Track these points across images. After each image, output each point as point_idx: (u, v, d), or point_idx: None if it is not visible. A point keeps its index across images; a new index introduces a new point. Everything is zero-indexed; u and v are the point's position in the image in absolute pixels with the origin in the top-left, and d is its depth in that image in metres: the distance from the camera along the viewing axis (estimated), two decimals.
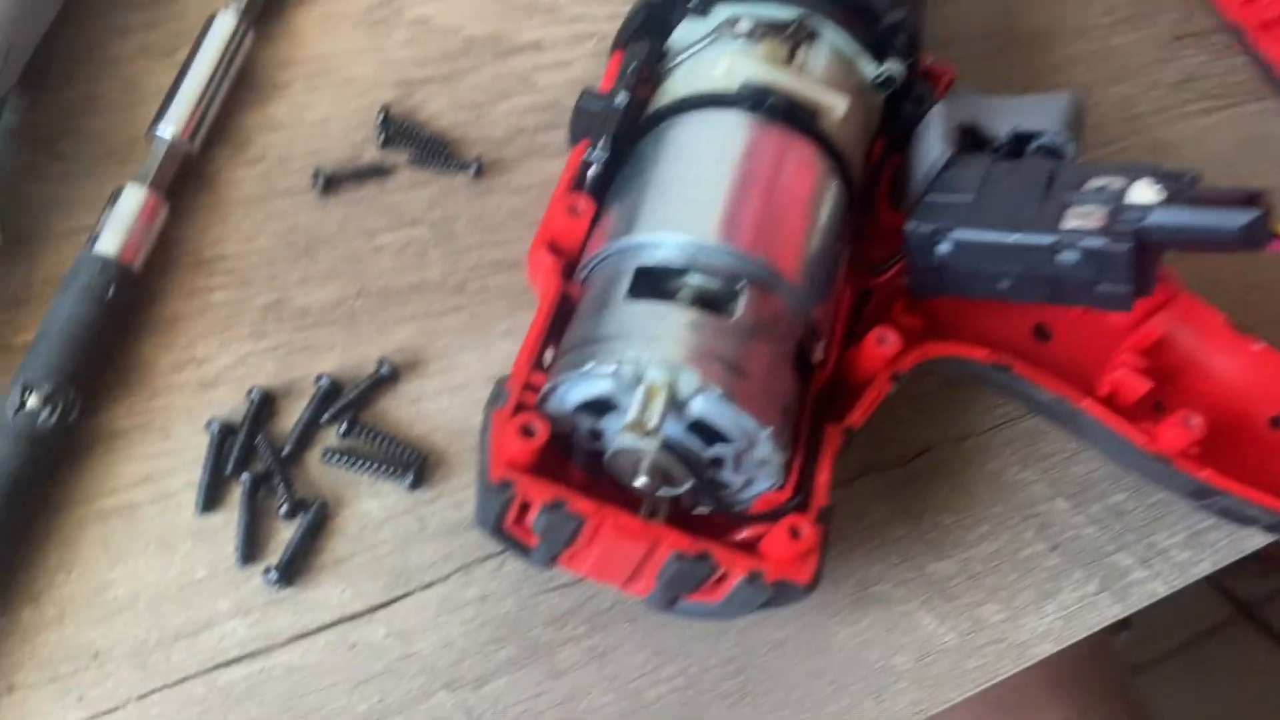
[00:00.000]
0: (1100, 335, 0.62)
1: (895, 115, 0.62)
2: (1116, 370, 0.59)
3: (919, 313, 0.60)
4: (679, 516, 0.52)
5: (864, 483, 0.63)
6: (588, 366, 0.48)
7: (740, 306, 0.50)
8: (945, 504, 0.63)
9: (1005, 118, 0.61)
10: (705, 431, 0.49)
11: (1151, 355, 0.61)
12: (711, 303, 0.51)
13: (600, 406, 0.50)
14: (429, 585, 0.56)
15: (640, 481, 0.49)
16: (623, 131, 0.57)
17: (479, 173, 0.66)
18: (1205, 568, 0.64)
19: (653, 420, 0.47)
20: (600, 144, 0.55)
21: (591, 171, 0.56)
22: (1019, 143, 0.61)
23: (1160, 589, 0.63)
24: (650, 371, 0.47)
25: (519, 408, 0.50)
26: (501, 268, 0.64)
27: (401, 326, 0.62)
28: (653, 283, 0.51)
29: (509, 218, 0.66)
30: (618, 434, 0.47)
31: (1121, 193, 0.53)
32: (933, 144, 0.59)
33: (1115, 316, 0.61)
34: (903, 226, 0.56)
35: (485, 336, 0.62)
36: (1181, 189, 0.51)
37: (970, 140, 0.61)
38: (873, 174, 0.61)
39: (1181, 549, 0.64)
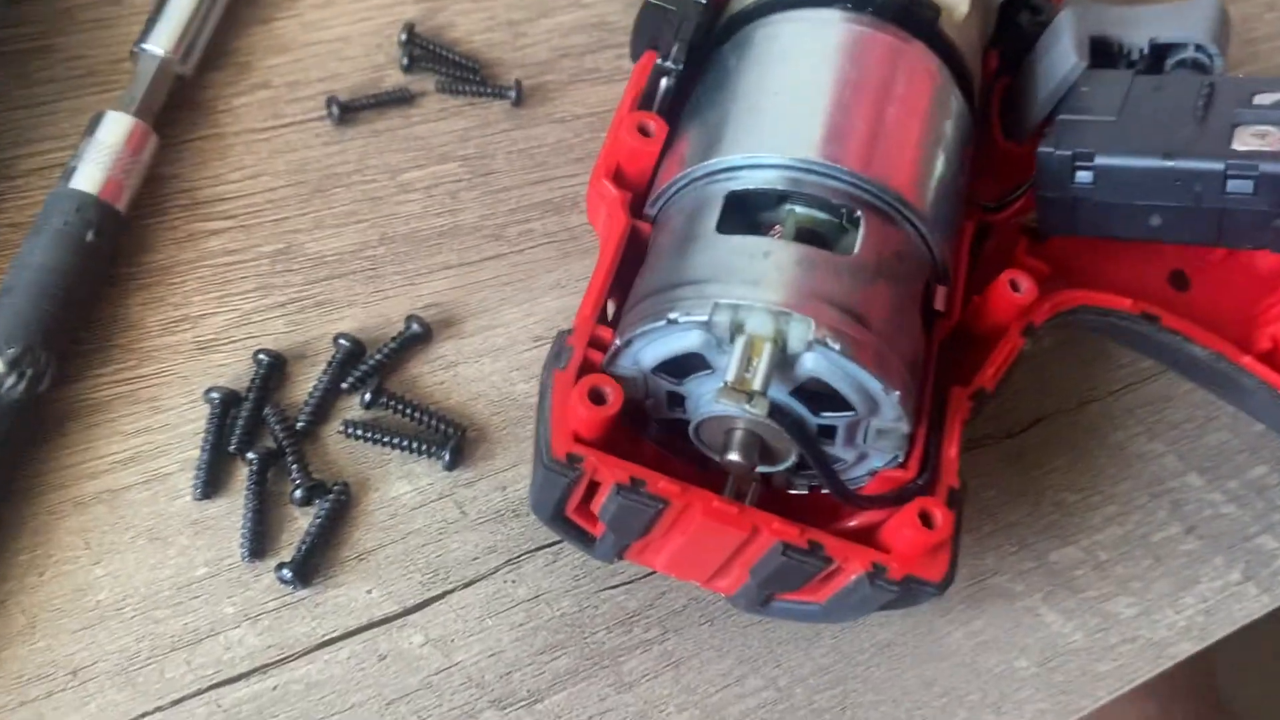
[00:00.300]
0: (1249, 282, 0.53)
1: (1009, 26, 0.53)
2: (1276, 322, 0.50)
3: (1043, 257, 0.50)
4: (769, 500, 0.44)
5: (971, 458, 0.54)
6: (673, 315, 0.39)
7: (859, 240, 0.40)
8: (1065, 481, 0.55)
9: (1141, 28, 0.52)
10: (816, 396, 0.40)
11: None
12: (820, 237, 0.42)
13: (683, 366, 0.41)
14: (471, 583, 0.47)
15: (733, 456, 0.40)
16: (699, 38, 0.47)
17: (518, 100, 0.57)
18: None
19: (757, 380, 0.38)
20: (674, 51, 0.46)
21: (664, 84, 0.47)
22: (1158, 57, 0.52)
23: None
24: (752, 320, 0.38)
25: (584, 368, 0.41)
26: (547, 209, 0.55)
27: (432, 278, 0.53)
28: (747, 213, 0.42)
29: (553, 152, 0.57)
30: (714, 397, 0.38)
31: None
32: (1062, 54, 0.50)
33: (1265, 260, 0.52)
34: (1034, 151, 0.47)
35: (529, 290, 0.53)
36: None
37: (1101, 56, 0.52)
38: (986, 93, 0.52)
39: None
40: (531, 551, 0.48)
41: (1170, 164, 0.44)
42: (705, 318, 0.38)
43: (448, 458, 0.48)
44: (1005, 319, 0.46)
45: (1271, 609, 0.54)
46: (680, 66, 0.46)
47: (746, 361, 0.38)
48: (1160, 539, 0.54)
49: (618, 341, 0.41)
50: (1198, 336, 0.48)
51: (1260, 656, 1.00)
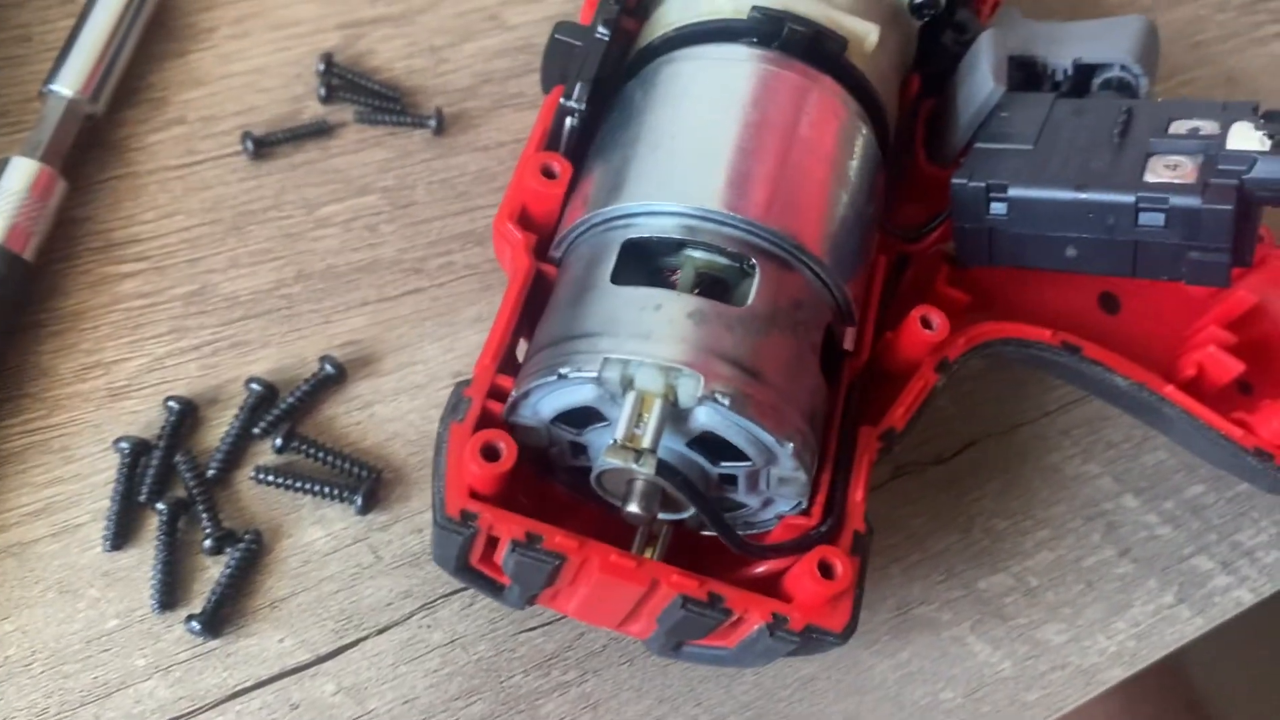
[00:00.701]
0: (1179, 305, 0.52)
1: (933, 47, 0.52)
2: (1201, 348, 0.50)
3: (965, 284, 0.50)
4: (684, 541, 0.43)
5: (899, 486, 0.54)
6: (564, 370, 0.38)
7: (754, 290, 0.40)
8: (997, 506, 0.54)
9: (1065, 47, 0.51)
10: (712, 446, 0.39)
11: (1240, 328, 0.51)
12: (717, 285, 0.42)
13: (581, 417, 0.40)
14: (385, 629, 0.47)
15: (632, 509, 0.40)
16: (606, 72, 0.47)
17: (439, 129, 0.56)
18: None
19: (646, 437, 0.37)
20: (578, 90, 0.45)
21: (568, 124, 0.46)
22: (1082, 77, 0.51)
23: (1246, 597, 0.54)
24: (642, 376, 0.38)
25: (482, 420, 0.41)
26: (469, 240, 0.55)
27: (349, 315, 0.52)
28: (644, 261, 0.42)
29: (476, 181, 0.56)
30: (603, 453, 0.37)
31: (1216, 139, 0.43)
32: (981, 80, 0.49)
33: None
34: (949, 181, 0.46)
35: (450, 324, 0.53)
36: None
37: (1024, 76, 0.51)
38: (907, 118, 0.51)
39: (1270, 548, 0.56)
40: (447, 595, 0.48)
41: (1083, 196, 0.44)
42: (595, 373, 0.38)
43: (360, 502, 0.48)
44: (917, 356, 0.46)
45: (1204, 631, 0.54)
46: (583, 106, 0.45)
47: (637, 417, 0.38)
48: (1093, 563, 0.54)
49: (516, 392, 0.40)
50: (1119, 367, 0.48)
51: (1236, 651, 1.00)
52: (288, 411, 0.49)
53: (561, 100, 0.45)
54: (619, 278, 0.40)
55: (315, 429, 0.49)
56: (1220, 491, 0.56)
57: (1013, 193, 0.45)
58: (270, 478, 0.48)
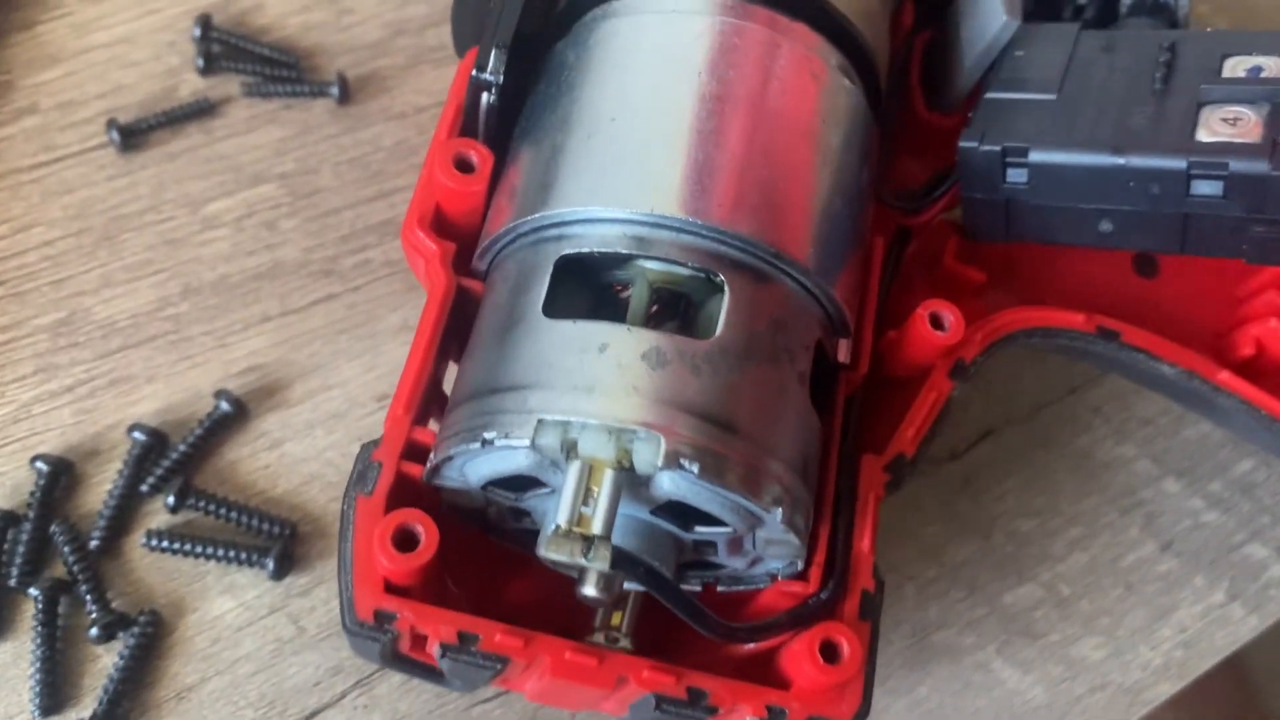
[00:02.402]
0: (1230, 261, 0.44)
1: None
2: (1259, 320, 0.42)
3: (979, 257, 0.42)
4: (651, 610, 0.36)
5: (909, 489, 0.45)
6: (488, 435, 0.31)
7: (723, 314, 0.32)
8: (1020, 506, 0.47)
9: None
10: (683, 511, 0.32)
11: None
12: (678, 302, 0.34)
13: (519, 482, 0.33)
14: (315, 713, 0.40)
15: (588, 592, 0.32)
16: (530, 28, 0.38)
17: (344, 97, 0.47)
18: None
19: (597, 520, 0.29)
20: (492, 59, 0.36)
21: (485, 100, 0.37)
22: (1110, 1, 0.42)
23: None
24: (586, 440, 0.30)
25: (395, 491, 0.33)
26: (387, 231, 0.46)
27: (249, 335, 0.44)
28: (585, 276, 0.34)
29: (392, 157, 0.48)
30: (543, 543, 0.30)
31: None
32: (990, 10, 0.40)
33: None
34: (957, 141, 0.38)
35: (370, 336, 0.45)
36: None
37: (1041, 1, 0.42)
38: (902, 56, 0.43)
39: None
40: (384, 670, 0.40)
41: (1121, 161, 0.35)
42: (527, 441, 0.30)
43: (272, 566, 0.40)
44: (927, 359, 0.38)
45: (1260, 632, 0.47)
46: (500, 79, 0.36)
47: (584, 493, 0.30)
48: (1132, 561, 0.47)
49: (432, 459, 0.33)
50: (1165, 353, 0.40)
51: None
52: (181, 461, 0.41)
53: (474, 73, 0.37)
54: (554, 305, 0.32)
55: (216, 478, 0.42)
56: (1273, 465, 0.49)
57: (1035, 157, 0.37)
58: (165, 543, 0.40)
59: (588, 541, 0.29)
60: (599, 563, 0.29)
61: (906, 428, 0.37)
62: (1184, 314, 0.44)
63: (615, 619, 0.35)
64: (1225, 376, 0.40)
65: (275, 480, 0.42)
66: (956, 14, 0.42)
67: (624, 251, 0.32)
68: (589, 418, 0.30)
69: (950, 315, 0.37)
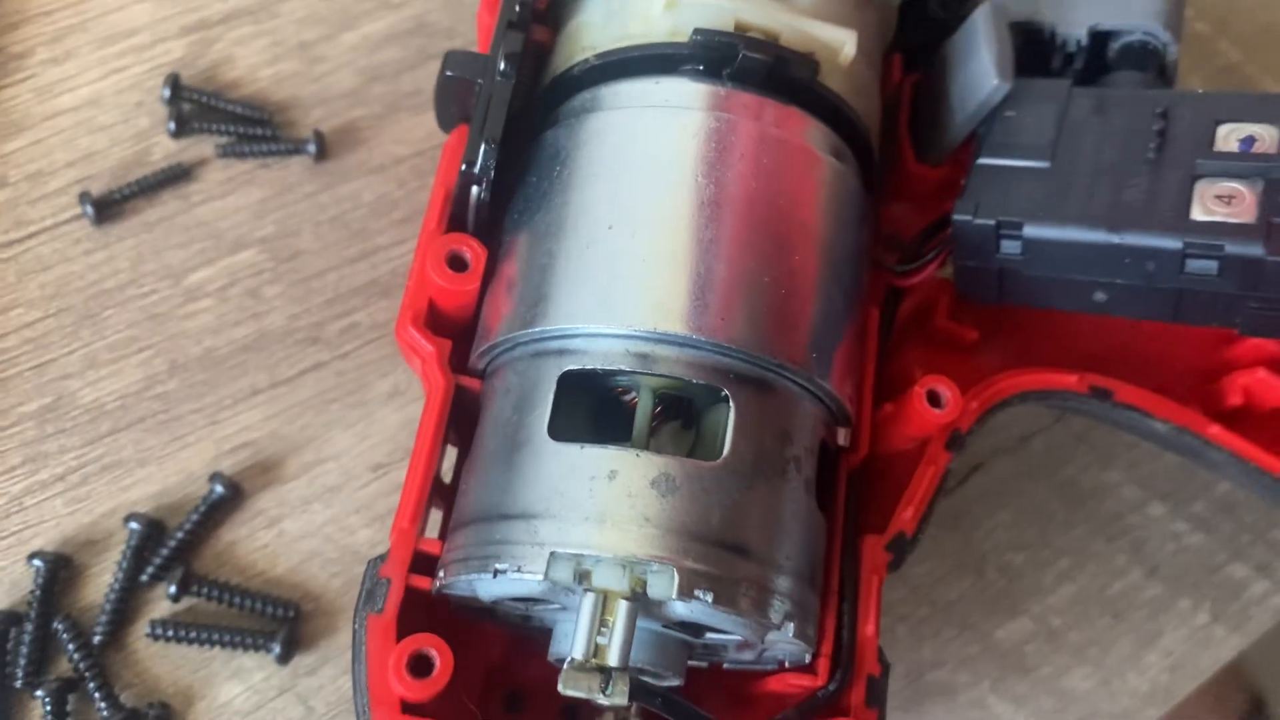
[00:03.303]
0: None
1: (917, 16, 0.42)
2: (1245, 369, 0.42)
3: (971, 314, 0.42)
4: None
5: None
6: (500, 567, 0.31)
7: (729, 432, 0.32)
8: (1010, 539, 0.48)
9: (1077, 11, 0.42)
10: (694, 624, 0.32)
11: None
12: (684, 404, 0.34)
13: (528, 599, 0.33)
14: None
15: (603, 705, 0.33)
16: (516, 108, 0.37)
17: (321, 152, 0.46)
18: None
19: (613, 651, 0.30)
20: (482, 154, 0.35)
21: (475, 194, 0.36)
22: (1098, 46, 0.42)
23: None
24: (600, 573, 0.30)
25: (406, 608, 0.33)
26: (372, 293, 0.46)
27: (240, 410, 0.44)
28: (589, 383, 0.33)
29: (373, 213, 0.47)
30: (561, 679, 0.30)
31: (1277, 157, 0.34)
32: (981, 72, 0.39)
33: None
34: (951, 215, 0.38)
35: (362, 404, 0.44)
36: None
37: (1028, 45, 0.42)
38: (891, 104, 0.42)
39: None
40: None
41: (1116, 239, 0.35)
42: (540, 574, 0.30)
43: (278, 649, 0.40)
44: (924, 435, 0.38)
45: (1241, 649, 0.48)
46: (491, 174, 0.36)
47: (599, 623, 0.30)
48: (1119, 589, 0.48)
49: (439, 582, 0.33)
50: (1157, 410, 0.41)
51: None
52: (179, 549, 0.41)
53: (463, 168, 0.36)
54: (559, 421, 0.32)
55: (215, 561, 0.42)
56: None
57: (1029, 232, 0.37)
58: (170, 632, 0.40)
59: (605, 674, 0.30)
60: (618, 698, 0.30)
61: (905, 506, 0.37)
62: (1173, 354, 0.44)
63: None
64: (1216, 431, 0.41)
65: (275, 560, 0.42)
66: (945, 65, 0.42)
67: (627, 369, 0.32)
68: (602, 551, 0.30)
69: (948, 392, 0.37)
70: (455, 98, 0.38)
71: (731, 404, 0.32)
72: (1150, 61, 0.41)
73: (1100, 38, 0.41)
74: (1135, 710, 0.46)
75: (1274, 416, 0.43)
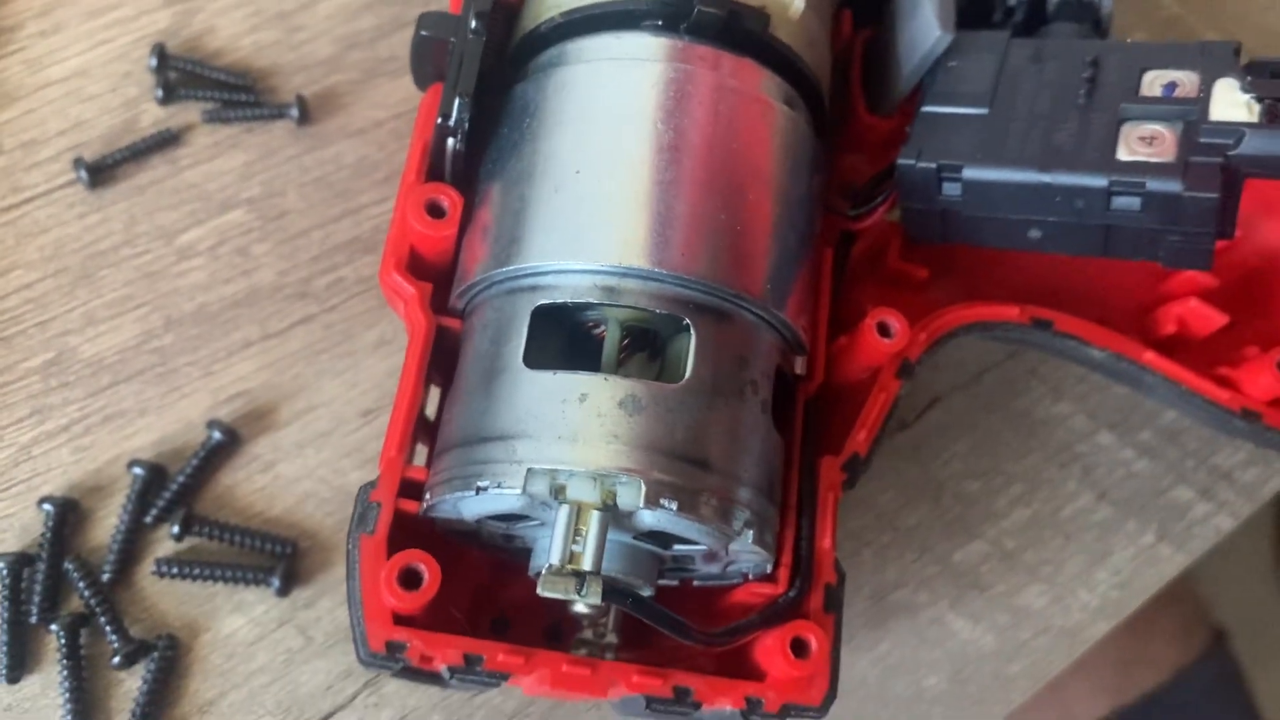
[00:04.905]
0: None
1: None
2: (1178, 299, 0.45)
3: (922, 253, 0.45)
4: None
5: None
6: (481, 484, 0.33)
7: (690, 357, 0.34)
8: (967, 468, 0.51)
9: None
10: (662, 534, 0.35)
11: (1222, 257, 0.46)
12: (645, 336, 0.36)
13: (509, 515, 0.35)
14: (329, 716, 0.43)
15: (579, 609, 0.36)
16: (488, 65, 0.39)
17: (303, 117, 0.48)
18: (1278, 484, 0.53)
19: (587, 557, 0.33)
20: (456, 108, 0.38)
21: (450, 145, 0.39)
22: (1039, 1, 0.44)
23: (1226, 523, 0.52)
24: (574, 486, 0.33)
25: (395, 529, 0.36)
26: (356, 248, 0.48)
27: (233, 361, 0.46)
28: (561, 317, 0.36)
29: (355, 174, 0.49)
30: (540, 583, 0.33)
31: (1197, 101, 0.37)
32: (925, 25, 0.42)
33: None
34: (896, 158, 0.41)
35: (349, 354, 0.47)
36: None
37: (970, 1, 0.44)
38: (843, 59, 0.45)
39: (1248, 465, 0.53)
40: None
41: (1047, 178, 0.38)
42: (518, 489, 0.33)
43: (277, 584, 0.43)
44: (875, 363, 0.41)
45: (1185, 567, 0.51)
46: (465, 126, 0.38)
47: (570, 531, 0.33)
48: (1071, 512, 0.51)
49: (426, 502, 0.35)
50: (1094, 338, 0.43)
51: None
52: (181, 492, 0.43)
53: (439, 121, 0.38)
54: (533, 353, 0.35)
55: (215, 504, 0.44)
56: None
57: (968, 174, 0.39)
58: (174, 570, 0.43)
59: (579, 578, 0.33)
60: (591, 598, 0.32)
61: (859, 429, 0.40)
62: (1113, 289, 0.47)
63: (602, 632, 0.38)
64: (1150, 357, 0.44)
65: (272, 501, 0.45)
66: (893, 18, 0.44)
67: (595, 301, 0.35)
68: (575, 466, 0.33)
69: (896, 323, 0.40)
70: (430, 57, 0.40)
71: (692, 331, 0.35)
72: (1087, 14, 0.44)
73: None
74: (1086, 623, 0.49)
75: (1206, 344, 0.46)
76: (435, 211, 0.38)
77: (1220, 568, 0.84)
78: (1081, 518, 0.51)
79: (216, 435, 0.44)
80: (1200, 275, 0.45)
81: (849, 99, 0.46)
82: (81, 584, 0.42)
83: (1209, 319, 0.44)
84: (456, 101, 0.38)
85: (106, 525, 0.43)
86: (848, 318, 0.42)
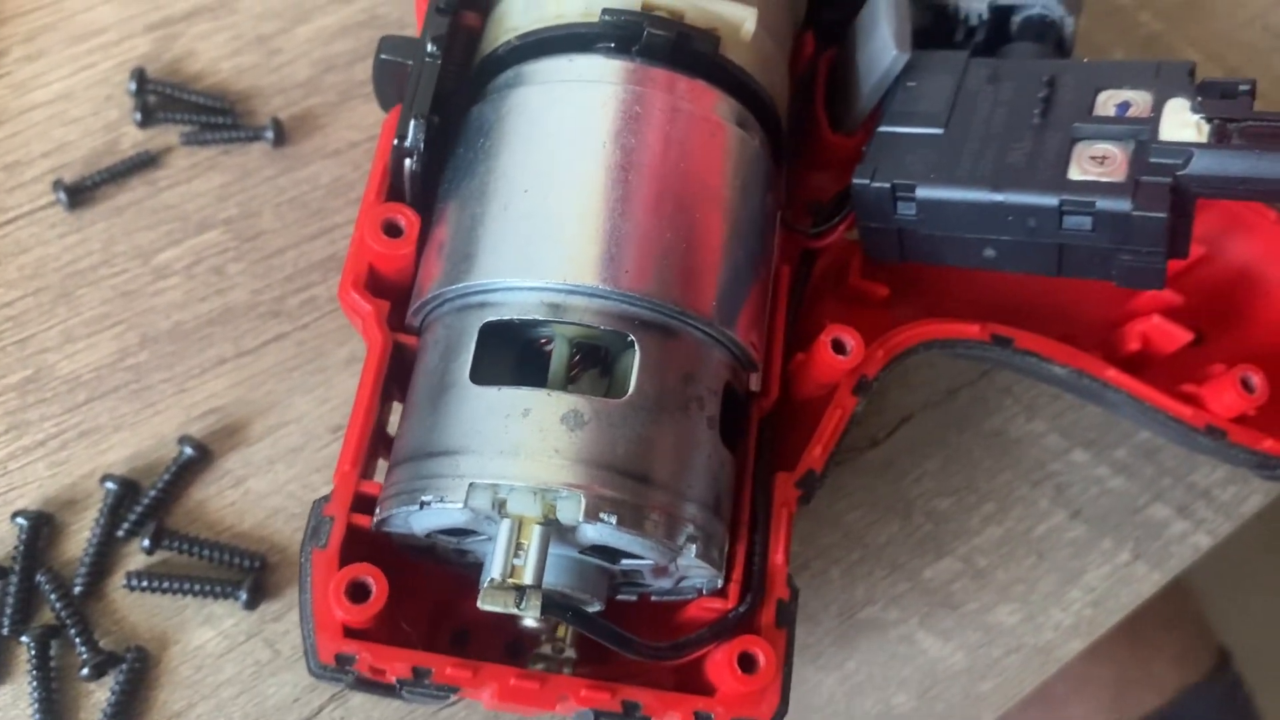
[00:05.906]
0: None
1: None
2: (1142, 316, 0.45)
3: (883, 271, 0.45)
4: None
5: (833, 477, 0.50)
6: (425, 498, 0.34)
7: (634, 372, 0.35)
8: (938, 485, 0.51)
9: None
10: (608, 549, 0.35)
11: (1189, 275, 0.47)
12: (597, 350, 0.37)
13: (457, 530, 0.36)
14: None
15: (528, 624, 0.36)
16: (448, 88, 0.40)
17: (279, 139, 0.49)
18: (1256, 503, 0.53)
19: (528, 570, 0.33)
20: (412, 129, 0.39)
21: (408, 166, 0.39)
22: (1000, 19, 0.45)
23: (1204, 541, 0.52)
24: (515, 500, 0.33)
25: (348, 542, 0.36)
26: (330, 268, 0.49)
27: (206, 379, 0.47)
28: (510, 334, 0.36)
29: (330, 194, 0.50)
30: (480, 596, 0.33)
31: (1148, 121, 0.37)
32: (881, 44, 0.42)
33: None
34: (854, 170, 0.41)
35: (322, 371, 0.48)
36: (1232, 118, 0.35)
37: (935, 21, 0.45)
38: (806, 79, 0.45)
39: (1226, 483, 0.53)
40: None
41: (999, 198, 0.38)
42: (460, 502, 0.33)
43: (245, 597, 0.44)
44: (832, 380, 0.41)
45: (1162, 586, 0.51)
46: (421, 148, 0.39)
47: (515, 547, 0.33)
48: (1044, 530, 0.51)
49: (377, 516, 0.36)
50: (1056, 355, 0.43)
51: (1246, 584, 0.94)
52: (153, 506, 0.44)
53: (395, 142, 0.39)
54: (481, 368, 0.35)
55: (186, 519, 0.45)
56: None
57: (921, 193, 0.40)
58: (145, 583, 0.43)
59: (520, 591, 0.33)
60: (531, 611, 0.33)
61: (814, 445, 0.40)
62: (1076, 307, 0.47)
63: (560, 631, 0.39)
64: (1112, 373, 0.44)
65: (242, 516, 0.45)
66: (854, 38, 0.45)
67: (541, 319, 0.35)
68: (515, 480, 0.33)
69: (851, 340, 0.40)
70: (391, 79, 0.41)
71: (637, 347, 0.35)
72: (1050, 33, 0.44)
73: (1002, 12, 0.44)
74: (1059, 642, 0.49)
75: (1172, 361, 0.46)
76: (392, 231, 0.39)
77: (1224, 588, 0.84)
78: (1055, 536, 0.51)
79: (188, 451, 0.45)
80: (1166, 292, 0.45)
81: (813, 118, 0.46)
82: (53, 596, 0.43)
83: (1173, 336, 0.44)
84: (413, 123, 0.39)
85: (79, 539, 0.44)
86: (811, 334, 0.43)
